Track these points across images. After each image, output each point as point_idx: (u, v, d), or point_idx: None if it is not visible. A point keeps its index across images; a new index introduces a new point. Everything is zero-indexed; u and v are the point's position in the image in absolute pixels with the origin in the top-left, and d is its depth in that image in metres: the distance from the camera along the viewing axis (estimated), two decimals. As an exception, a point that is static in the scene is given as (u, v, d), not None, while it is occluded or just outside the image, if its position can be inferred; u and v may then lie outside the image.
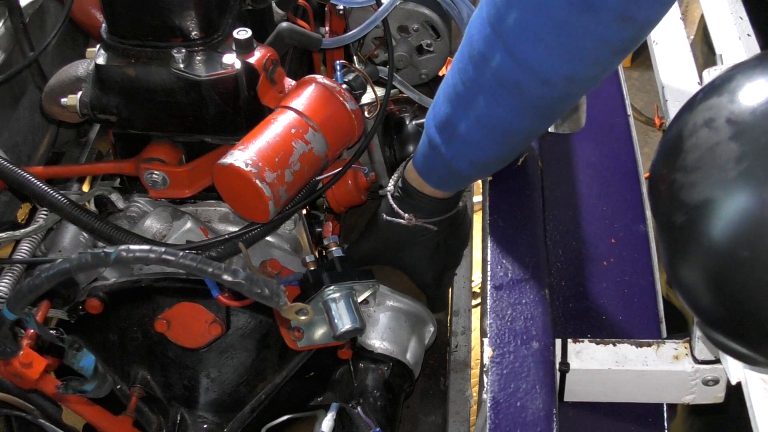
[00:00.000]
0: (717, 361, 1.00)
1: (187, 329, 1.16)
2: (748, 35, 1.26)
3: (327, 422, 1.18)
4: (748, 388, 0.90)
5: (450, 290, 1.57)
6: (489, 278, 1.10)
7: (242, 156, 1.06)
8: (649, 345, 1.04)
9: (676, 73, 1.29)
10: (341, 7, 1.48)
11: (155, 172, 1.19)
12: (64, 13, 1.38)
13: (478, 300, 1.26)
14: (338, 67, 1.27)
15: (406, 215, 1.21)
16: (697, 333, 1.00)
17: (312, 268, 1.18)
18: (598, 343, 1.04)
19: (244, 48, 1.13)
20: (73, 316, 1.21)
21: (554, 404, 0.96)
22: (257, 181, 1.05)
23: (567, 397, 1.05)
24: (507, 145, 1.08)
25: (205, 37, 1.15)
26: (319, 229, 1.29)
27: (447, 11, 1.45)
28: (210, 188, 1.22)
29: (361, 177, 1.29)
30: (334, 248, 1.22)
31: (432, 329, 1.32)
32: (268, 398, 1.21)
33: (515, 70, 0.95)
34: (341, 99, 1.18)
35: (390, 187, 1.24)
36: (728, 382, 0.98)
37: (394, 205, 1.22)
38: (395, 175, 1.24)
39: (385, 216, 1.23)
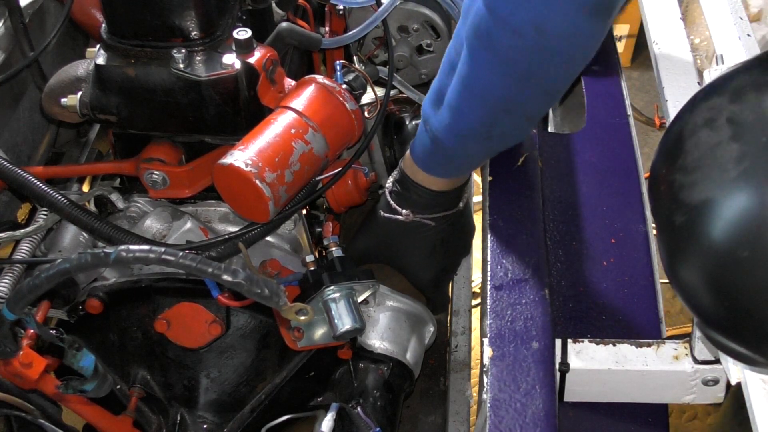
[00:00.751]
0: (717, 361, 1.00)
1: (187, 329, 1.16)
2: (748, 35, 1.26)
3: (327, 422, 1.18)
4: (748, 388, 0.90)
5: (450, 290, 1.57)
6: (489, 278, 1.10)
7: (242, 156, 1.06)
8: (649, 345, 1.04)
9: (676, 73, 1.29)
10: (341, 7, 1.48)
11: (155, 172, 1.19)
12: (64, 13, 1.38)
13: (478, 300, 1.26)
14: (338, 67, 1.27)
15: (404, 211, 1.21)
16: (697, 333, 1.00)
17: (312, 268, 1.18)
18: (598, 343, 1.04)
19: (244, 48, 1.13)
20: (73, 316, 1.21)
21: (554, 404, 0.96)
22: (257, 181, 1.05)
23: (567, 397, 1.05)
24: (487, 110, 1.06)
25: (205, 37, 1.15)
26: (319, 229, 1.29)
27: (447, 11, 1.45)
28: (210, 188, 1.22)
29: (361, 177, 1.29)
30: (334, 248, 1.22)
31: (432, 329, 1.32)
32: (268, 398, 1.21)
33: (486, 18, 0.94)
34: (341, 99, 1.18)
35: (389, 184, 1.24)
36: (728, 382, 0.98)
37: (392, 202, 1.22)
38: (394, 172, 1.25)
39: (383, 213, 1.24)
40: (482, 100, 1.04)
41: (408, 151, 1.21)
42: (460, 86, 1.05)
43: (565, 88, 1.07)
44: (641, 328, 1.13)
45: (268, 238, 1.24)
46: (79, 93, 1.19)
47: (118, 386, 1.21)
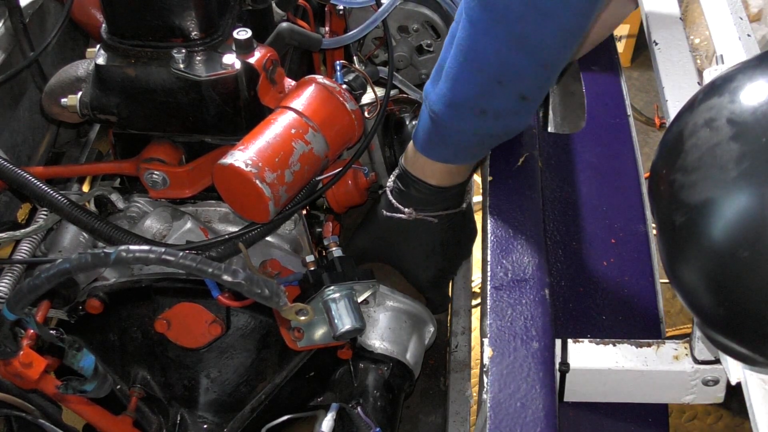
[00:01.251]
0: (717, 361, 1.00)
1: (187, 329, 1.16)
2: (748, 35, 1.26)
3: (327, 422, 1.18)
4: (748, 388, 0.90)
5: (450, 290, 1.57)
6: (489, 278, 1.09)
7: (242, 156, 1.06)
8: (649, 345, 1.04)
9: (676, 73, 1.29)
10: (341, 7, 1.48)
11: (155, 172, 1.19)
12: (64, 13, 1.38)
13: (478, 300, 1.26)
14: (338, 68, 1.27)
15: (407, 210, 1.21)
16: (697, 333, 1.00)
17: (312, 268, 1.18)
18: (598, 343, 1.04)
19: (244, 48, 1.13)
20: (73, 316, 1.21)
21: (554, 404, 0.96)
22: (257, 182, 1.05)
23: (567, 397, 1.05)
24: (480, 78, 1.05)
25: (205, 38, 1.15)
26: (319, 229, 1.29)
27: (447, 11, 1.45)
28: (210, 188, 1.22)
29: (361, 177, 1.29)
30: (334, 248, 1.22)
31: (432, 329, 1.32)
32: (268, 398, 1.21)
33: None
34: (341, 99, 1.18)
35: (389, 183, 1.24)
36: (728, 382, 0.97)
37: (394, 201, 1.22)
38: (395, 170, 1.25)
39: (384, 212, 1.23)
40: (477, 67, 1.04)
41: (409, 144, 1.21)
42: (457, 52, 1.05)
43: (559, 64, 1.06)
44: (641, 328, 1.13)
45: (268, 238, 1.24)
46: (79, 93, 1.19)
47: (118, 386, 1.21)
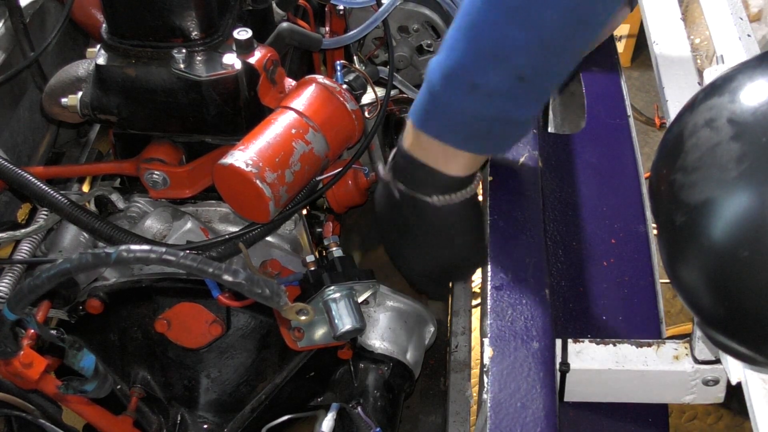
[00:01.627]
0: (717, 361, 1.01)
1: (188, 329, 1.16)
2: (748, 35, 1.26)
3: (327, 422, 1.19)
4: (748, 388, 0.90)
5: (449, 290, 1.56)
6: (489, 278, 1.09)
7: (242, 156, 1.06)
8: (649, 345, 1.04)
9: (676, 73, 1.29)
10: (341, 7, 1.48)
11: (155, 172, 1.19)
12: (65, 13, 1.38)
13: (478, 300, 1.26)
14: (338, 68, 1.27)
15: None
16: (697, 333, 1.00)
17: (312, 269, 1.18)
18: (598, 343, 1.04)
19: (245, 48, 1.13)
20: (73, 316, 1.21)
21: (554, 404, 0.96)
22: (257, 182, 1.05)
23: (567, 397, 1.05)
24: (473, 49, 0.99)
25: (206, 38, 1.15)
26: (319, 230, 1.29)
27: (447, 11, 1.45)
28: (210, 188, 1.22)
29: (361, 177, 1.29)
30: (334, 248, 1.22)
31: (432, 329, 1.32)
32: (269, 398, 1.21)
33: None
34: (341, 99, 1.18)
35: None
36: (728, 382, 0.98)
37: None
38: None
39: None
40: (472, 35, 0.98)
41: None
42: (456, 19, 1.00)
43: (561, 47, 0.97)
44: (641, 328, 1.13)
45: (269, 239, 1.24)
46: (80, 93, 1.19)
47: (119, 386, 1.21)
